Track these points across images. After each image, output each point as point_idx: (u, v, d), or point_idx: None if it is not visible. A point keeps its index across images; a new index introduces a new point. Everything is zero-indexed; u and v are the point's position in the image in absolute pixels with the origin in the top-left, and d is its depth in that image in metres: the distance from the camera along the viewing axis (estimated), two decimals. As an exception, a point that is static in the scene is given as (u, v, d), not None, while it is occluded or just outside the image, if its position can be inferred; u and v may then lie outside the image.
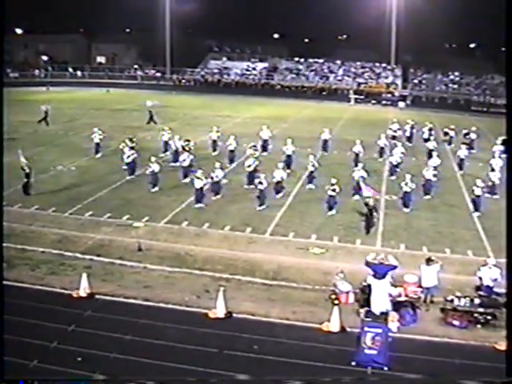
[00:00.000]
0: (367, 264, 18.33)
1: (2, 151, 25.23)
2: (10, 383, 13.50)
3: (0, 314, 14.21)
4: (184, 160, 35.51)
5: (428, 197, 33.50)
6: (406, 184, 31.43)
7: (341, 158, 42.19)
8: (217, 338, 17.79)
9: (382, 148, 43.71)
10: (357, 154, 39.99)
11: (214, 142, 43.11)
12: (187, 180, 34.59)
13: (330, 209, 30.51)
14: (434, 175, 34.23)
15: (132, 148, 36.93)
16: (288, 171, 36.76)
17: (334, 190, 30.25)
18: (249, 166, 34.46)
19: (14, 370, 14.45)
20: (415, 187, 31.89)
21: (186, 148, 37.62)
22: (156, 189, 33.14)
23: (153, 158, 33.51)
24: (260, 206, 30.91)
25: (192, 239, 26.25)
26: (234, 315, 19.37)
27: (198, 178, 30.71)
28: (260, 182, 30.88)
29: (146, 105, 57.27)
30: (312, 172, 34.80)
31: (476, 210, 31.49)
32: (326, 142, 44.63)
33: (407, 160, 40.63)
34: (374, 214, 27.98)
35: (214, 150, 42.69)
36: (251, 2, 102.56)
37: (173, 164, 38.35)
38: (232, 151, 39.82)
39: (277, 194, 32.54)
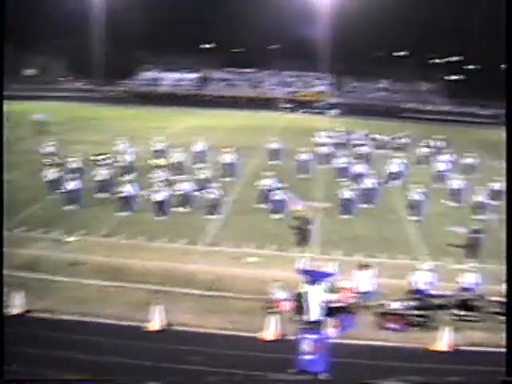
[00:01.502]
0: (303, 271, 18.46)
1: (2, 151, 24.80)
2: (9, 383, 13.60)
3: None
4: (97, 175, 34.36)
5: (369, 206, 33.80)
6: (347, 191, 31.79)
7: (274, 166, 42.37)
8: (155, 351, 17.66)
9: (326, 155, 44.17)
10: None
11: (159, 152, 42.55)
12: (103, 195, 33.78)
13: (277, 212, 30.77)
14: (375, 183, 34.65)
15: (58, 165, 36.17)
16: (228, 179, 37.17)
17: (282, 194, 31.00)
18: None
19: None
20: (356, 194, 32.29)
21: (98, 163, 36.98)
22: (72, 207, 31.89)
23: (71, 175, 32.87)
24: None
25: (128, 252, 26.01)
26: (172, 327, 19.27)
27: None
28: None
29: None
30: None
31: (415, 214, 32.02)
32: (275, 151, 44.65)
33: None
34: (308, 226, 27.93)
35: (160, 161, 41.72)
36: (183, 13, 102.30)
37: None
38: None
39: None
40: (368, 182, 34.26)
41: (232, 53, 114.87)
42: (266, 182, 32.89)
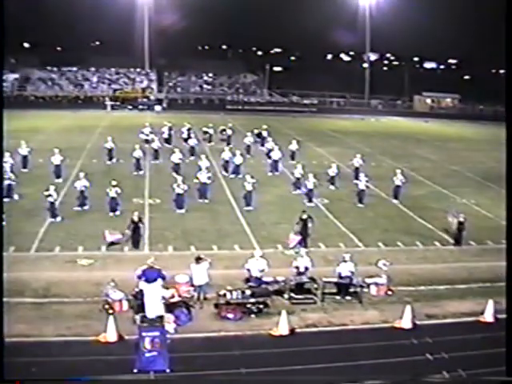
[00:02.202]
0: (139, 271, 18.41)
1: (2, 152, 22.67)
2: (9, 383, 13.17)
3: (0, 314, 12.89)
4: None
5: (202, 200, 34.12)
6: (179, 186, 31.85)
7: (101, 166, 42.17)
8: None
9: (155, 151, 44.64)
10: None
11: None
12: None
13: (113, 211, 30.76)
14: (209, 177, 34.90)
15: None
16: (58, 181, 36.37)
17: (116, 192, 30.80)
18: None
19: None
20: (187, 189, 32.38)
21: None
22: None
23: None
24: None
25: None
26: (6, 340, 18.50)
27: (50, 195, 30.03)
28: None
29: None
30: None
31: (247, 205, 32.81)
32: (110, 150, 44.15)
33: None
34: (139, 225, 27.55)
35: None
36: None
37: None
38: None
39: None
40: (201, 177, 34.42)
41: (53, 51, 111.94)
42: (83, 183, 32.29)
